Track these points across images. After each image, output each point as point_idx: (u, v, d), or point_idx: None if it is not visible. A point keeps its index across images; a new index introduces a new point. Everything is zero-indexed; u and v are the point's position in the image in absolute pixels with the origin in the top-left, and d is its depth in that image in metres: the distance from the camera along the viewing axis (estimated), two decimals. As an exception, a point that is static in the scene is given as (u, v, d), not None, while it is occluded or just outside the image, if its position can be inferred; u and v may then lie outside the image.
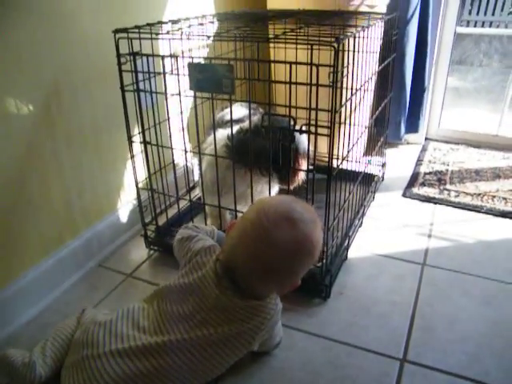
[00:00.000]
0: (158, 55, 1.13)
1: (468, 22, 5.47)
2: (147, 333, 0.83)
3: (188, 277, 0.89)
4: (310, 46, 0.92)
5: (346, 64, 1.10)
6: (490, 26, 5.49)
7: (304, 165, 1.20)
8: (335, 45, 0.90)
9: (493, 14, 5.46)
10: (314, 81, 0.92)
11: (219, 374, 0.88)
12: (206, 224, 1.34)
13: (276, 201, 0.87)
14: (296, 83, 0.96)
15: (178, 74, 1.11)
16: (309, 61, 0.91)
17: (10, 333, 1.08)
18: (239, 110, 1.37)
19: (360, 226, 1.49)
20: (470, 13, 5.51)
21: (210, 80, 1.02)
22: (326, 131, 0.97)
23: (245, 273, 0.83)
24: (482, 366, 0.98)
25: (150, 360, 0.79)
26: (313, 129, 0.97)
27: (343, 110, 1.08)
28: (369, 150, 1.61)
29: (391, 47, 1.55)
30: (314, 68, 0.91)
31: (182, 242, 0.98)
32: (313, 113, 0.95)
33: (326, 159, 1.02)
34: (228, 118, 1.18)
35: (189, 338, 0.82)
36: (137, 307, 0.90)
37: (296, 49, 1.52)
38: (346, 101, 1.11)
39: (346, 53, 1.07)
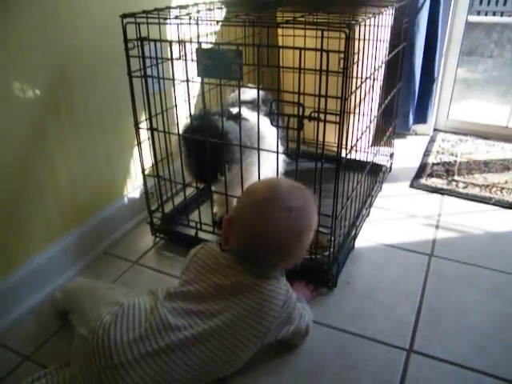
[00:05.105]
0: (166, 40, 1.12)
1: (479, 12, 5.40)
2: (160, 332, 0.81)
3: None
4: (320, 32, 0.90)
5: (355, 51, 1.08)
6: (502, 16, 5.42)
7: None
8: (347, 30, 0.89)
9: (504, 4, 5.38)
10: (323, 67, 0.91)
11: (231, 370, 0.86)
12: (212, 211, 1.34)
13: (260, 182, 1.01)
14: (305, 69, 0.94)
15: (185, 60, 1.09)
16: (319, 47, 0.89)
17: (15, 318, 1.08)
18: (250, 92, 1.36)
19: (367, 215, 1.48)
20: (480, 3, 5.44)
21: (218, 66, 1.00)
22: (335, 119, 0.95)
23: (261, 250, 0.86)
24: (489, 358, 0.98)
25: (163, 358, 0.79)
26: (321, 117, 0.95)
27: (352, 98, 1.07)
28: (377, 140, 1.59)
29: (401, 36, 1.52)
30: (324, 55, 0.90)
31: None
32: (321, 101, 0.94)
33: (333, 148, 1.01)
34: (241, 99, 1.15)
35: (197, 332, 0.81)
36: (143, 306, 0.86)
37: (305, 36, 1.50)
38: (356, 88, 1.09)
39: (355, 40, 1.05)
